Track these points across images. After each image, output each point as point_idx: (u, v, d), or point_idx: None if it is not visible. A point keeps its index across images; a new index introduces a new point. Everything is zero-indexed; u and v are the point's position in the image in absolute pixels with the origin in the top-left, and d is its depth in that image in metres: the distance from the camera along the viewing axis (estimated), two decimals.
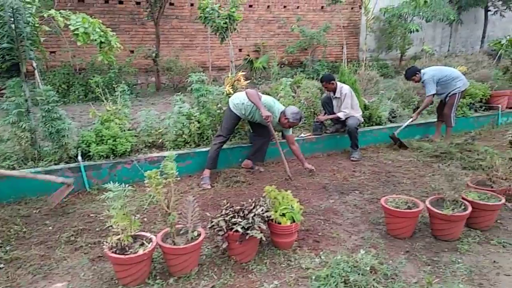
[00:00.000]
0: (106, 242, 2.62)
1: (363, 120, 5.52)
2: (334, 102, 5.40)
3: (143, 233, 2.79)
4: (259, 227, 2.79)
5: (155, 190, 2.59)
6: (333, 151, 5.56)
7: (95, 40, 4.79)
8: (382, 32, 12.46)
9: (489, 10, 13.67)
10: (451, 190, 3.20)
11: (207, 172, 4.45)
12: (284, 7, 11.50)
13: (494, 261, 2.84)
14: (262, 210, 2.92)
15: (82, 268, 2.83)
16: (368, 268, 2.62)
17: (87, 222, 3.52)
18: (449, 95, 5.66)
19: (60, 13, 4.67)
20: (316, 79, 9.56)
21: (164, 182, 2.62)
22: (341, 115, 5.23)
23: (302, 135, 5.42)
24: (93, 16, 4.94)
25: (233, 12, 7.11)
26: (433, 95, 5.68)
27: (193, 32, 10.49)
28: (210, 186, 4.33)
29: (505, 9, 13.26)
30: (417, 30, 11.47)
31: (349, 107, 5.21)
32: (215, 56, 10.72)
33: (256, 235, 2.73)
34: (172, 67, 9.28)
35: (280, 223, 2.96)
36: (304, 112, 5.92)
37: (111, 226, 2.60)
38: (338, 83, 5.34)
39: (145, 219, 3.56)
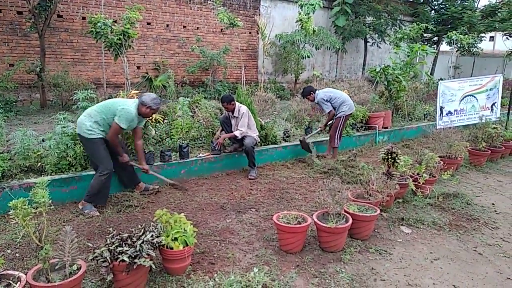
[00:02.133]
0: None
1: (259, 140, 5.72)
2: (233, 122, 5.50)
3: (10, 272, 2.43)
4: (148, 254, 2.64)
5: (23, 222, 2.28)
6: (231, 170, 5.63)
7: None
8: (278, 57, 13.25)
9: (368, 41, 15.59)
10: (334, 204, 3.46)
11: (89, 200, 4.08)
12: (184, 27, 11.51)
13: (372, 268, 3.12)
14: (152, 236, 2.77)
15: None
16: (260, 286, 2.65)
17: None
18: (335, 117, 6.22)
19: None
20: (217, 99, 9.70)
21: (34, 212, 2.32)
22: (237, 133, 5.35)
23: (201, 155, 5.39)
24: None
25: (128, 28, 6.85)
26: (332, 110, 6.17)
27: (85, 46, 9.82)
28: (98, 212, 3.99)
29: (380, 41, 15.27)
30: (308, 57, 12.46)
31: (245, 126, 5.36)
32: (111, 72, 10.18)
33: (145, 264, 2.57)
34: (61, 83, 8.49)
35: (172, 248, 2.85)
36: (203, 132, 5.93)
37: None
38: (237, 103, 5.47)
39: (17, 255, 3.12)
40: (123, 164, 4.29)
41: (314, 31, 10.81)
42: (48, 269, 2.41)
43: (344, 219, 3.42)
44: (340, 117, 6.20)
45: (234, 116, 5.45)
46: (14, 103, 8.39)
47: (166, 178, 4.75)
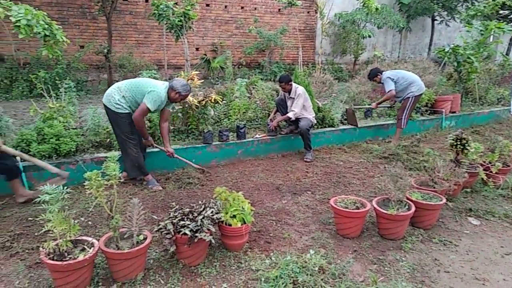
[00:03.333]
0: (41, 247, 2.44)
1: (315, 122, 5.61)
2: (289, 103, 5.44)
3: (84, 238, 2.64)
4: (208, 229, 2.73)
5: (97, 193, 2.45)
6: (287, 152, 5.61)
7: (39, 33, 4.49)
8: (337, 37, 12.81)
9: (436, 20, 14.50)
10: (396, 190, 3.32)
11: (150, 176, 4.27)
12: (242, 8, 11.49)
13: (436, 259, 2.97)
14: (212, 212, 2.86)
15: (17, 276, 2.63)
16: (316, 268, 2.64)
17: (25, 226, 3.28)
18: (404, 98, 5.91)
19: (1, 3, 4.33)
20: (273, 80, 9.66)
21: (106, 184, 2.48)
22: (290, 114, 5.27)
23: (257, 136, 5.42)
24: (39, 8, 4.63)
25: (189, 10, 6.99)
26: (393, 91, 5.86)
27: (148, 29, 10.20)
28: (161, 187, 4.19)
29: (450, 19, 14.13)
30: (369, 36, 11.91)
31: (299, 107, 5.26)
32: (171, 54, 10.49)
33: (205, 238, 2.67)
34: (125, 64, 8.95)
35: (230, 225, 2.92)
36: (260, 113, 5.94)
37: (49, 230, 2.42)
38: (294, 84, 5.40)
39: (90, 223, 3.38)
40: (144, 146, 4.32)
41: (377, 9, 10.27)
42: (118, 237, 2.59)
43: (406, 207, 3.27)
44: (409, 97, 5.87)
45: (290, 97, 5.39)
46: (85, 83, 8.97)
47: (192, 162, 4.65)
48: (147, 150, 4.49)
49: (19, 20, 4.37)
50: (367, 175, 4.81)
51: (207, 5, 10.87)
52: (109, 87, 9.04)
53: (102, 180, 2.46)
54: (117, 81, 9.34)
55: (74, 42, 9.27)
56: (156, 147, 4.44)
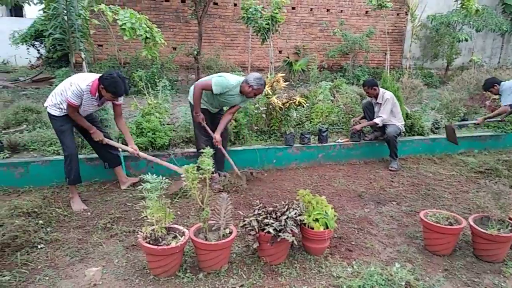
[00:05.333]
0: (141, 231, 2.67)
1: (404, 129, 5.33)
2: (376, 108, 5.24)
3: (176, 226, 2.82)
4: (291, 230, 2.74)
5: (191, 185, 2.61)
6: (370, 159, 5.41)
7: (141, 35, 4.92)
8: (428, 40, 12.02)
9: None
10: (497, 209, 3.01)
11: (216, 175, 4.23)
12: (327, 10, 11.35)
13: None
14: (295, 213, 2.87)
15: (116, 255, 2.90)
16: (403, 283, 2.52)
17: (123, 210, 3.62)
18: None
19: (109, 7, 4.83)
20: (356, 84, 9.38)
21: (200, 177, 2.63)
22: (377, 120, 5.07)
23: (339, 140, 5.31)
24: (140, 12, 5.08)
25: (276, 13, 7.11)
26: (510, 106, 5.32)
27: (235, 32, 10.58)
28: (246, 185, 4.27)
29: None
30: (466, 40, 10.97)
31: (387, 113, 5.04)
32: (255, 56, 10.76)
33: (288, 238, 2.69)
34: (212, 65, 9.38)
35: (312, 228, 2.90)
36: (343, 118, 5.82)
37: (146, 216, 2.64)
38: (381, 89, 5.18)
39: (178, 213, 3.60)
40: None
41: (477, 10, 9.41)
42: (206, 228, 2.73)
43: (509, 228, 2.95)
44: None
45: (377, 103, 5.18)
46: (175, 82, 9.61)
47: (234, 165, 4.31)
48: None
49: (125, 23, 4.84)
50: (460, 189, 4.43)
51: (293, 8, 10.94)
52: None
53: (197, 174, 2.61)
54: None
55: (168, 44, 9.99)
56: (204, 127, 4.14)
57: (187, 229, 2.81)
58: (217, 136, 4.11)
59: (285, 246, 2.85)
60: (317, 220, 2.94)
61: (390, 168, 5.03)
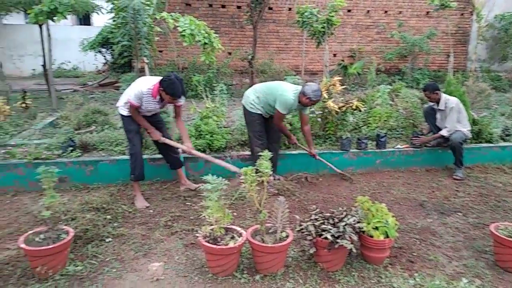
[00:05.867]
0: (200, 230, 2.75)
1: (470, 136, 5.00)
2: (438, 115, 4.97)
3: (234, 227, 2.88)
4: (350, 237, 2.68)
5: (249, 187, 2.64)
6: (432, 166, 5.13)
7: (200, 41, 5.09)
8: (496, 41, 11.22)
9: None
10: None
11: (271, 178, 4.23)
12: (385, 12, 11.01)
13: None
14: (354, 220, 2.80)
15: (177, 252, 3.02)
16: None
17: (183, 209, 3.75)
18: None
19: (171, 15, 5.05)
20: (416, 88, 8.99)
21: (258, 179, 2.66)
22: (444, 132, 4.79)
23: (399, 146, 5.10)
24: (198, 19, 5.26)
25: (332, 16, 7.04)
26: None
27: (289, 36, 10.61)
28: (296, 188, 4.26)
29: None
30: None
31: (453, 121, 4.75)
32: (309, 60, 10.70)
33: (346, 245, 2.63)
34: (266, 69, 9.49)
35: (372, 236, 2.81)
36: (402, 123, 5.60)
37: (206, 216, 2.71)
38: (443, 95, 4.91)
39: (235, 214, 3.65)
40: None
41: None
42: (263, 231, 2.75)
43: None
44: None
45: (440, 109, 4.90)
46: (230, 86, 9.82)
47: (334, 167, 4.61)
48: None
49: (185, 30, 5.03)
50: None
51: (349, 10, 10.75)
52: None
53: (255, 176, 2.64)
54: None
55: (223, 49, 10.25)
56: (300, 147, 4.58)
57: (244, 230, 2.85)
58: (313, 150, 4.42)
59: (343, 253, 2.79)
60: (376, 228, 2.85)
61: (454, 176, 4.73)
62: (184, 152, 4.13)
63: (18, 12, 10.40)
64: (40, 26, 8.38)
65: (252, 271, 2.76)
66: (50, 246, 2.57)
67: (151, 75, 5.87)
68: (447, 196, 4.20)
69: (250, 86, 9.72)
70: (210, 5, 10.15)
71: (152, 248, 3.06)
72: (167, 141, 3.98)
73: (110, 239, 3.15)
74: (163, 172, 4.35)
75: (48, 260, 2.57)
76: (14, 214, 3.62)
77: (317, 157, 4.54)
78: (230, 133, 4.92)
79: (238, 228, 2.86)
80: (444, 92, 5.08)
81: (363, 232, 2.85)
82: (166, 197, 4.04)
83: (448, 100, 4.83)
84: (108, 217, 3.45)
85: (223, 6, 10.22)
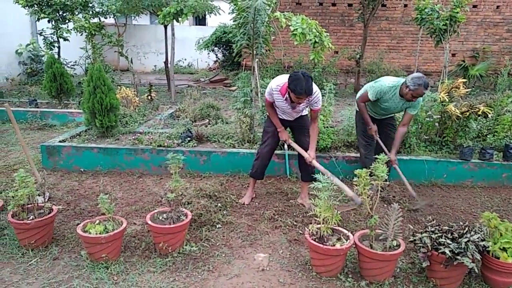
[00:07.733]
0: (306, 228, 2.77)
1: None
2: None
3: (341, 229, 2.83)
4: (473, 255, 2.43)
5: (362, 190, 2.57)
6: None
7: (310, 40, 5.08)
8: None
9: None
10: None
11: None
12: None
13: None
14: (478, 237, 2.53)
15: (280, 246, 3.09)
16: None
17: (286, 205, 3.82)
18: None
19: (283, 14, 5.13)
20: None
21: (372, 183, 2.58)
22: None
23: None
24: (308, 18, 5.25)
25: (456, 12, 6.42)
26: None
27: (402, 34, 10.00)
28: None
29: None
30: None
31: None
32: (422, 60, 9.97)
33: (467, 264, 2.39)
34: (375, 69, 9.11)
35: (498, 258, 2.51)
36: None
37: (315, 215, 2.72)
38: None
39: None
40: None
41: None
42: (373, 237, 2.66)
43: None
44: None
45: None
46: (334, 86, 9.67)
47: (409, 186, 3.87)
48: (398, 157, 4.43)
49: (296, 28, 5.06)
50: None
51: (474, 6, 9.69)
52: (355, 91, 9.39)
53: (369, 180, 2.56)
54: (362, 86, 9.72)
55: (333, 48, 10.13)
56: (377, 140, 3.99)
57: (351, 233, 2.79)
58: (393, 156, 3.82)
59: (461, 272, 2.55)
60: (504, 249, 2.54)
61: None
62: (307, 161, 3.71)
63: (146, 14, 11.71)
64: (165, 26, 9.30)
65: (357, 276, 2.69)
66: (172, 226, 2.86)
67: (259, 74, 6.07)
68: None
69: (355, 86, 9.55)
70: (321, 4, 10.10)
71: (257, 239, 3.19)
72: (293, 144, 3.80)
73: (219, 226, 3.37)
74: (269, 168, 4.48)
75: (169, 238, 2.86)
76: (139, 193, 4.10)
77: (395, 165, 3.89)
78: (335, 133, 4.84)
79: (345, 231, 2.81)
80: None
81: (488, 252, 2.56)
82: (270, 192, 4.16)
83: None
84: (219, 204, 3.69)
85: (334, 4, 10.08)
